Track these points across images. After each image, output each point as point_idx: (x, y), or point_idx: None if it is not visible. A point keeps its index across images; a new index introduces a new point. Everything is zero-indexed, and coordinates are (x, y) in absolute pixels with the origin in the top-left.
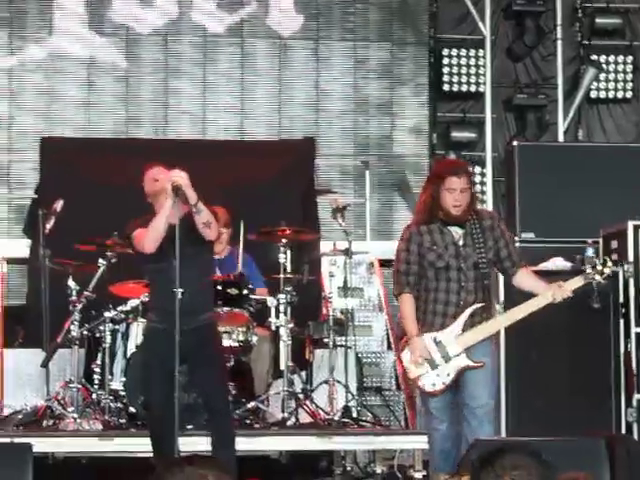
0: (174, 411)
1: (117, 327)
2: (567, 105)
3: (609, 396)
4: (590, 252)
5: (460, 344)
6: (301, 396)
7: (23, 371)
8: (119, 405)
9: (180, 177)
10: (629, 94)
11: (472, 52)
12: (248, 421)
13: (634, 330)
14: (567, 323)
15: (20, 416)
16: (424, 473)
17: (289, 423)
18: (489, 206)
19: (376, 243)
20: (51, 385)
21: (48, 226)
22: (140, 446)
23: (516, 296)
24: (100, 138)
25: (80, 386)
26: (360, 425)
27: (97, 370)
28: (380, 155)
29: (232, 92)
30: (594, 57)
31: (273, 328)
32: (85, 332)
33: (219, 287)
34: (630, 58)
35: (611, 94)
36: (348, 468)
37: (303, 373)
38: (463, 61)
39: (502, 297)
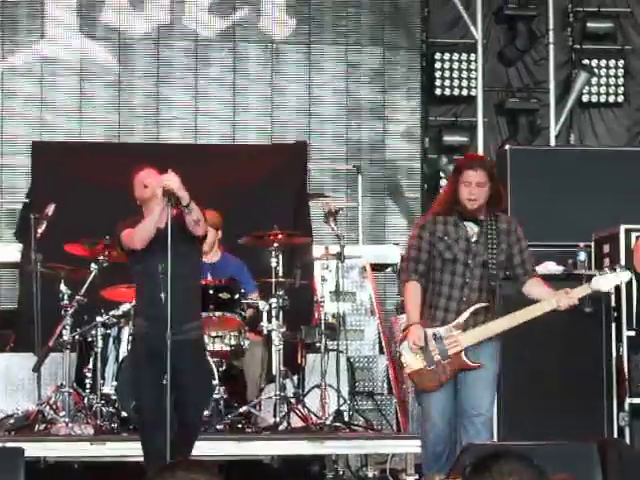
0: (165, 415)
1: (109, 331)
2: (559, 109)
3: (601, 400)
4: (582, 256)
5: (460, 342)
6: (293, 400)
7: (15, 375)
8: (111, 409)
9: (171, 181)
10: (620, 98)
11: (464, 56)
12: (240, 425)
13: (626, 334)
14: (559, 327)
15: (12, 421)
16: (416, 477)
17: (281, 427)
18: None
19: (368, 247)
20: (43, 389)
21: (40, 230)
22: (132, 450)
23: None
24: (91, 142)
25: (72, 390)
26: (352, 429)
27: (89, 374)
28: (372, 159)
29: (224, 97)
30: (586, 61)
31: (265, 332)
32: (77, 336)
33: (211, 291)
34: (621, 62)
35: (603, 98)
36: (340, 472)
37: (295, 377)
38: (455, 65)
39: None
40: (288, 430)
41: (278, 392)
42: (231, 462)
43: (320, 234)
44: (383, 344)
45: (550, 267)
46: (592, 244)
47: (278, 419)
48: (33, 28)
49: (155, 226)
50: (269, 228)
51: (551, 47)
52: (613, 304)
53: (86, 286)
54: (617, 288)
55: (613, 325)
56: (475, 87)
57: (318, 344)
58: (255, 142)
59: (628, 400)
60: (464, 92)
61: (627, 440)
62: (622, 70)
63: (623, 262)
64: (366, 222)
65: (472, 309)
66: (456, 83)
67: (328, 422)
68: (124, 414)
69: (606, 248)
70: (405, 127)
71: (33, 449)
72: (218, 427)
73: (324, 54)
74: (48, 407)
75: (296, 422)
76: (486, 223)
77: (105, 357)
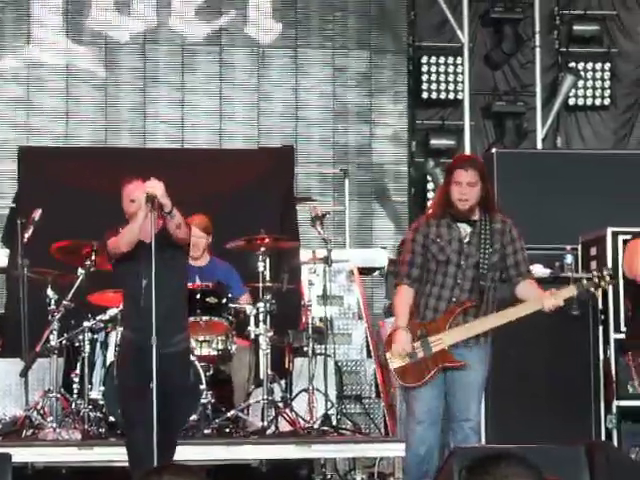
0: (152, 421)
1: (96, 336)
2: (545, 112)
3: (589, 402)
4: (569, 259)
5: (444, 340)
6: (281, 404)
7: (2, 381)
8: (98, 414)
9: (154, 187)
10: (607, 101)
11: (450, 60)
12: (228, 430)
13: (613, 337)
14: (546, 330)
15: None
16: None
17: (269, 432)
18: None
19: (355, 251)
20: (30, 395)
21: (26, 235)
22: (119, 455)
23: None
24: (78, 147)
25: (59, 395)
26: (340, 433)
27: (76, 379)
28: (359, 163)
29: (210, 100)
30: (572, 64)
31: (252, 337)
32: (64, 341)
33: (198, 296)
34: (608, 65)
35: (589, 101)
36: (328, 476)
37: (283, 381)
38: (442, 69)
39: None
40: (276, 434)
41: (266, 396)
42: (219, 466)
43: (307, 238)
44: (371, 348)
45: (537, 270)
46: (579, 247)
47: (266, 423)
48: (19, 32)
49: (140, 229)
50: (256, 232)
51: (537, 50)
52: (600, 307)
53: (73, 291)
54: (604, 291)
55: (600, 328)
56: (462, 90)
57: (306, 348)
58: (242, 146)
59: (615, 403)
60: (451, 95)
61: (615, 443)
62: (608, 73)
63: (610, 265)
64: (353, 226)
65: (460, 309)
66: (443, 86)
67: (316, 426)
68: (112, 419)
69: (593, 251)
70: (392, 131)
71: (20, 454)
72: (206, 432)
73: (311, 58)
74: (35, 412)
75: (284, 426)
76: (480, 224)
77: (92, 362)
